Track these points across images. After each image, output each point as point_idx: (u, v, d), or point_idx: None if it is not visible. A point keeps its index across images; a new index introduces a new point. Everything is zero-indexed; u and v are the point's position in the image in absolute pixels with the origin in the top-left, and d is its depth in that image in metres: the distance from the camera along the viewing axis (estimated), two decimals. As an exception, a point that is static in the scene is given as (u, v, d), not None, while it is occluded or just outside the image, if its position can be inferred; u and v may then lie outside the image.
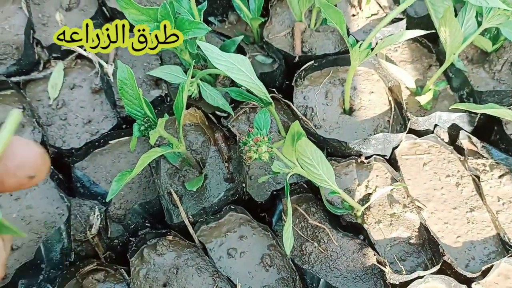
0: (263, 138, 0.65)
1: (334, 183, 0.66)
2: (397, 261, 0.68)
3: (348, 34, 0.88)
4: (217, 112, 0.82)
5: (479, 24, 0.76)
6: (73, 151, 0.78)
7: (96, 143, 0.79)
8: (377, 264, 0.65)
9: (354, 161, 0.77)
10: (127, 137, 0.81)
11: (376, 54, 0.82)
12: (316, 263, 0.69)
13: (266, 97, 0.73)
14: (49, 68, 0.87)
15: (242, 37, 0.83)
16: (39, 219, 0.72)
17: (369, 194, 0.74)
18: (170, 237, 0.70)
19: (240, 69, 0.70)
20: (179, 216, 0.72)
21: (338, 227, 0.72)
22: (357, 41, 0.71)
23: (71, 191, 0.77)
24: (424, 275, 0.65)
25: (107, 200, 0.67)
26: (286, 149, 0.64)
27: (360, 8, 0.93)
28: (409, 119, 0.76)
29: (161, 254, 0.69)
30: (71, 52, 0.88)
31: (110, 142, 0.80)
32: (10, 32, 0.90)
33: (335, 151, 0.77)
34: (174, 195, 0.72)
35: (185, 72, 0.82)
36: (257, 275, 0.68)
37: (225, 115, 0.82)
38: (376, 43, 0.77)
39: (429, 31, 0.71)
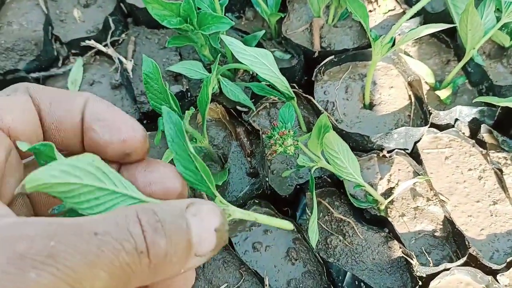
0: (289, 131, 0.66)
1: (360, 176, 0.67)
2: (424, 254, 0.68)
3: (367, 29, 0.88)
4: (238, 107, 0.82)
5: (498, 19, 0.77)
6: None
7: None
8: (405, 256, 0.66)
9: (375, 155, 0.77)
10: (148, 132, 0.81)
11: (395, 49, 0.83)
12: (341, 257, 0.69)
13: (288, 91, 0.73)
14: (68, 64, 0.88)
15: (263, 31, 0.83)
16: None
17: (392, 188, 0.75)
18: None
19: (264, 63, 0.71)
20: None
21: (362, 221, 0.72)
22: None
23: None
24: (451, 267, 0.65)
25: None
26: (312, 142, 0.64)
27: (377, 4, 0.93)
28: (430, 113, 0.76)
29: (187, 248, 0.69)
30: (90, 48, 0.88)
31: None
32: (27, 28, 0.90)
33: (357, 146, 0.77)
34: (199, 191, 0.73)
35: (205, 67, 0.82)
36: (283, 269, 0.68)
37: (246, 110, 0.82)
38: (394, 38, 0.78)
39: (449, 25, 0.71)
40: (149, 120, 0.82)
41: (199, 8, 0.79)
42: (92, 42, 0.86)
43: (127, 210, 0.24)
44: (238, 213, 0.32)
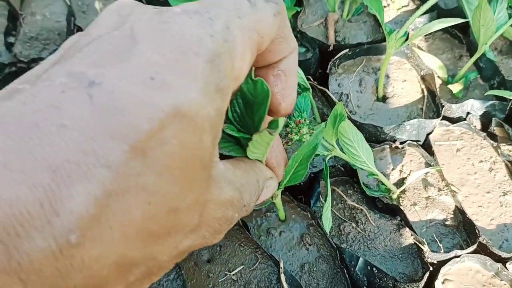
0: (304, 120, 0.68)
1: (373, 165, 0.69)
2: (436, 241, 0.70)
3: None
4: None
5: (510, 15, 0.78)
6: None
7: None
8: (417, 243, 0.67)
9: (388, 146, 0.79)
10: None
11: (408, 43, 0.85)
12: (354, 243, 0.71)
13: (304, 82, 0.75)
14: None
15: (280, 25, 0.85)
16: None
17: (404, 178, 0.76)
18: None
19: (281, 54, 0.73)
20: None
21: (374, 209, 0.74)
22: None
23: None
24: (461, 254, 0.67)
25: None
26: (327, 130, 0.66)
27: (392, 0, 0.95)
28: (443, 106, 0.78)
29: (204, 232, 0.71)
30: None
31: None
32: (51, 18, 0.92)
33: (370, 137, 0.79)
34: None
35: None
36: (297, 253, 0.70)
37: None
38: (407, 33, 0.80)
39: (462, 20, 0.73)
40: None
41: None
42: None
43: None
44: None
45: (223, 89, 0.23)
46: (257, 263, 0.68)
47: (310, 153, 0.68)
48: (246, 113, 0.65)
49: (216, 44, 0.23)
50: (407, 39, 0.75)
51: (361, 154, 0.68)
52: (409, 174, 0.76)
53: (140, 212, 0.20)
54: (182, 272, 0.67)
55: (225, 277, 0.67)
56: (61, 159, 0.18)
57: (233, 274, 0.67)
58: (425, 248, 0.66)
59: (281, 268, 0.66)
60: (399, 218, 0.72)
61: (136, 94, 0.20)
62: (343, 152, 0.68)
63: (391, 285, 0.65)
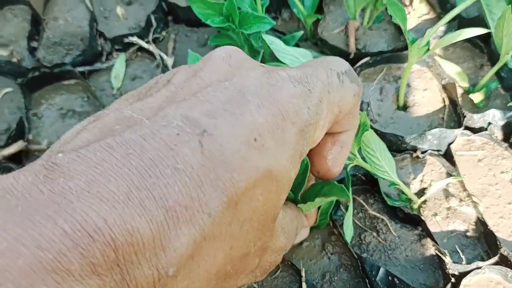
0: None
1: (395, 175, 0.69)
2: (456, 252, 0.70)
3: (401, 31, 0.90)
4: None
5: (534, 25, 0.78)
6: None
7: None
8: (438, 254, 0.68)
9: (409, 155, 0.79)
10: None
11: (430, 52, 0.85)
12: (375, 252, 0.71)
13: (326, 91, 0.75)
14: (111, 59, 0.91)
15: (302, 32, 0.86)
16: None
17: (424, 188, 0.77)
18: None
19: (303, 62, 0.73)
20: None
21: (395, 219, 0.74)
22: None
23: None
24: (482, 266, 0.67)
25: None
26: (350, 140, 0.66)
27: (412, 8, 0.95)
28: (464, 116, 0.78)
29: (226, 239, 0.72)
30: (132, 44, 0.91)
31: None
32: (73, 24, 0.94)
33: (391, 146, 0.79)
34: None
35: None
36: (319, 262, 0.70)
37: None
38: (429, 42, 0.79)
39: (486, 30, 0.73)
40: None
41: (239, 8, 0.82)
42: (135, 39, 0.90)
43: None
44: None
45: (303, 155, 0.27)
46: (278, 271, 0.69)
47: (329, 206, 0.71)
48: None
49: (310, 117, 0.26)
50: (428, 48, 0.75)
51: (383, 164, 0.68)
52: (430, 184, 0.76)
53: (222, 255, 0.22)
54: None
55: (247, 285, 0.68)
56: (173, 201, 0.20)
57: (254, 283, 0.68)
58: (447, 259, 0.66)
59: (302, 277, 0.67)
60: (420, 229, 0.72)
61: (240, 151, 0.22)
62: (365, 161, 0.68)
63: (412, 295, 0.66)
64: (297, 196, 0.64)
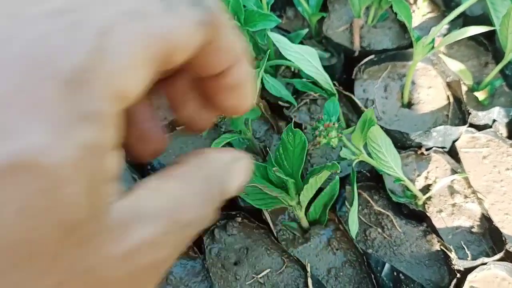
0: (333, 124, 0.68)
1: (400, 171, 0.69)
2: (462, 248, 0.70)
3: (406, 29, 0.90)
4: (280, 103, 0.85)
5: (538, 23, 0.78)
6: (144, 135, 0.81)
7: (165, 129, 0.83)
8: (444, 250, 0.68)
9: (413, 152, 0.80)
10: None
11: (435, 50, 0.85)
12: (380, 248, 0.71)
13: (331, 88, 0.76)
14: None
15: (306, 30, 0.86)
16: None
17: (429, 185, 0.77)
18: (239, 219, 0.73)
19: (309, 60, 0.74)
20: (245, 202, 0.75)
21: (400, 215, 0.74)
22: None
23: (142, 173, 0.81)
24: (488, 262, 0.67)
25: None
26: (355, 135, 0.67)
27: (417, 6, 0.95)
28: (469, 113, 0.78)
29: (231, 235, 0.72)
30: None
31: (177, 128, 0.84)
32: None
33: (395, 143, 0.79)
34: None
35: (249, 63, 0.86)
36: (324, 258, 0.71)
37: (287, 105, 0.85)
38: (433, 40, 0.80)
39: (491, 28, 0.73)
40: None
41: (244, 6, 0.82)
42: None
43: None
44: None
45: (94, 115, 0.17)
46: (284, 266, 0.69)
47: (328, 202, 0.71)
48: (286, 160, 0.68)
49: (81, 57, 0.17)
50: (433, 46, 0.76)
51: (389, 160, 0.68)
52: (434, 181, 0.76)
53: None
54: (210, 274, 0.68)
55: (252, 280, 0.68)
56: None
57: (260, 277, 0.68)
58: (452, 254, 0.67)
59: (308, 272, 0.67)
60: (425, 225, 0.72)
61: None
62: (371, 157, 0.68)
63: (417, 291, 0.66)
64: (297, 176, 0.65)
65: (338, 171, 0.61)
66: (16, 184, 0.15)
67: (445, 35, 0.83)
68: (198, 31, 0.21)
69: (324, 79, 0.75)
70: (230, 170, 0.24)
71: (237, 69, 0.25)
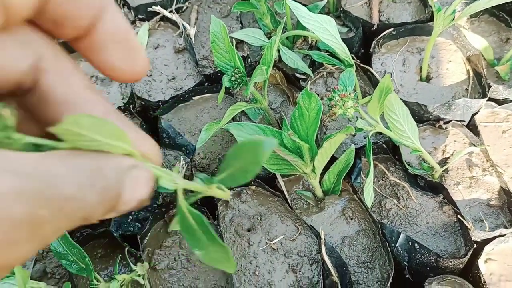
0: (349, 94, 0.68)
1: (418, 141, 0.68)
2: (479, 221, 0.69)
3: (426, 3, 0.89)
4: (296, 74, 0.85)
5: None
6: (160, 103, 0.82)
7: (181, 98, 0.83)
8: (461, 219, 0.67)
9: (430, 126, 0.78)
10: (209, 94, 0.84)
11: (454, 24, 0.84)
12: (395, 219, 0.71)
13: (348, 58, 0.75)
14: (134, 28, 0.92)
15: (325, 2, 0.85)
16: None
17: (447, 158, 0.75)
18: (253, 187, 0.73)
19: (327, 29, 0.73)
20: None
21: (416, 187, 0.73)
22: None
23: (157, 142, 0.81)
24: (506, 234, 0.66)
25: (197, 146, 0.71)
26: (372, 104, 0.65)
27: (437, -19, 0.94)
28: (490, 86, 0.77)
29: (245, 202, 0.72)
30: (155, 13, 0.92)
31: (193, 98, 0.84)
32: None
33: (413, 116, 0.78)
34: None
35: (266, 35, 0.85)
36: (338, 227, 0.70)
37: (304, 77, 0.84)
38: (455, 11, 0.78)
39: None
40: (211, 82, 0.86)
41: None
42: (158, 8, 0.90)
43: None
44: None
45: None
46: (297, 234, 0.68)
47: (343, 171, 0.70)
48: (301, 125, 0.67)
49: None
50: (454, 17, 0.74)
51: (406, 130, 0.67)
52: (452, 154, 0.75)
53: None
54: (223, 240, 0.68)
55: (265, 246, 0.68)
56: None
57: (274, 244, 0.68)
58: (470, 225, 0.65)
59: (322, 240, 0.67)
60: (442, 196, 0.71)
61: None
62: (387, 128, 0.67)
63: (433, 261, 0.65)
64: (312, 141, 0.64)
65: (353, 133, 0.60)
66: None
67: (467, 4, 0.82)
68: None
69: (342, 49, 0.74)
70: (130, 176, 0.23)
71: (108, 18, 0.23)
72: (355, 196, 0.72)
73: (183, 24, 0.90)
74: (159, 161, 0.26)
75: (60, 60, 0.23)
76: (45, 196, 0.19)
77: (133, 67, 0.24)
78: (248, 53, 0.87)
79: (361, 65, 0.83)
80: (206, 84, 0.86)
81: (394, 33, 0.86)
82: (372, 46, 0.84)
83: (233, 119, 0.78)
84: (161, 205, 0.74)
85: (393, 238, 0.67)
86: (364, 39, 0.89)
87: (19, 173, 0.18)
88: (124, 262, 0.69)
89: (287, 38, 0.87)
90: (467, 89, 0.81)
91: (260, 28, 0.90)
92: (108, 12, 0.23)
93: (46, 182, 0.19)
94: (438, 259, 0.64)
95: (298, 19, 0.71)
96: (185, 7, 0.95)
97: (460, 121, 0.78)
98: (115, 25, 0.23)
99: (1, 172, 0.18)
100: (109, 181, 0.22)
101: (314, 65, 0.85)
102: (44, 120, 0.23)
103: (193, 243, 0.27)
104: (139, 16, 0.93)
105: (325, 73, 0.86)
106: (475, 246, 0.65)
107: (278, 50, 0.81)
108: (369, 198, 0.66)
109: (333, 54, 0.79)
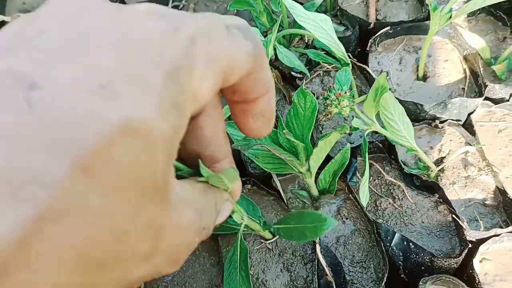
0: (345, 92, 0.67)
1: (413, 140, 0.68)
2: (474, 220, 0.69)
3: (423, 2, 0.89)
4: (292, 73, 0.84)
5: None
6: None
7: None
8: (456, 219, 0.67)
9: (427, 125, 0.78)
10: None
11: (451, 23, 0.83)
12: (390, 218, 0.71)
13: (344, 57, 0.74)
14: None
15: (321, 0, 0.85)
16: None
17: (443, 158, 0.75)
18: (249, 186, 0.73)
19: (323, 27, 0.72)
20: (254, 169, 0.75)
21: (412, 186, 0.73)
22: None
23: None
24: (501, 233, 0.66)
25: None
26: (367, 104, 0.65)
27: (435, -20, 0.94)
28: (486, 86, 0.77)
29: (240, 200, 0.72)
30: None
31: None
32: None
33: (409, 115, 0.78)
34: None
35: (262, 33, 0.85)
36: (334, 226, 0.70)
37: (300, 76, 0.84)
38: (451, 10, 0.78)
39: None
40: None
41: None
42: (154, 6, 0.90)
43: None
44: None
45: (180, 105, 0.21)
46: (293, 233, 0.68)
47: (338, 170, 0.70)
48: (296, 124, 0.67)
49: (178, 58, 0.21)
50: (451, 16, 0.74)
51: (401, 129, 0.67)
52: (448, 154, 0.75)
53: (80, 237, 0.17)
54: (218, 238, 0.68)
55: (260, 245, 0.68)
56: None
57: (269, 243, 0.68)
58: (465, 225, 0.65)
59: (316, 239, 0.66)
60: (437, 196, 0.71)
61: (83, 103, 0.17)
62: (383, 127, 0.67)
63: (427, 260, 0.65)
64: (307, 140, 0.64)
65: (347, 132, 0.60)
66: (127, 143, 0.18)
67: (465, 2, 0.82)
68: (249, 60, 0.26)
69: (338, 47, 0.74)
70: (222, 207, 0.31)
71: (267, 98, 0.29)
72: (350, 195, 0.72)
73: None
74: (238, 198, 0.35)
75: (216, 105, 0.29)
76: (203, 225, 0.26)
77: (265, 133, 0.32)
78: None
79: (358, 64, 0.83)
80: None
81: (390, 31, 0.85)
82: (369, 44, 0.84)
83: (229, 118, 0.78)
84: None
85: (388, 238, 0.67)
86: (361, 37, 0.88)
87: (196, 208, 0.25)
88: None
89: (283, 36, 0.87)
90: (463, 88, 0.81)
91: (257, 27, 0.90)
92: (269, 93, 0.29)
93: (200, 215, 0.26)
94: (433, 258, 0.64)
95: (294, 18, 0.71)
96: (181, 5, 0.94)
97: (456, 120, 0.78)
98: (269, 106, 0.30)
99: (186, 206, 0.24)
100: (218, 212, 0.30)
101: (311, 64, 0.85)
102: (182, 144, 0.29)
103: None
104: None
105: (321, 72, 0.86)
106: (470, 245, 0.65)
107: (274, 49, 0.81)
108: (364, 197, 0.66)
109: (329, 53, 0.79)
